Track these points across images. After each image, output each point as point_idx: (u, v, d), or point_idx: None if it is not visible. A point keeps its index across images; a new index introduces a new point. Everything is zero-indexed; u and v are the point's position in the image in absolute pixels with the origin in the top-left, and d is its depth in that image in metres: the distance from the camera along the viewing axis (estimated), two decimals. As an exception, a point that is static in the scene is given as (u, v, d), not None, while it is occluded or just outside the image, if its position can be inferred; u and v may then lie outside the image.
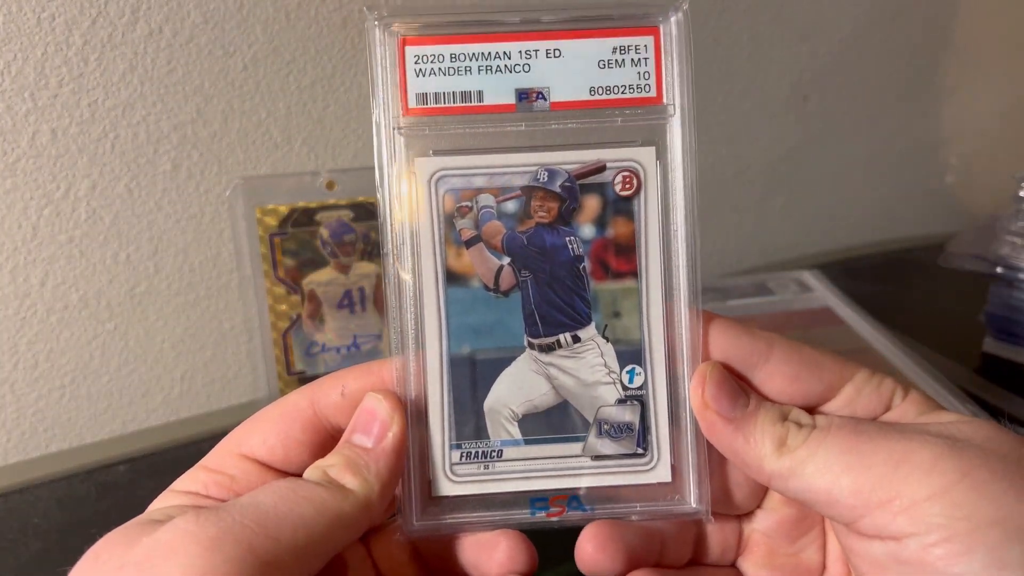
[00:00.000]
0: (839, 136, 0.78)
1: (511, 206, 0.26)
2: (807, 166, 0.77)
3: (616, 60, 0.26)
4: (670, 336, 0.26)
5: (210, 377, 0.57)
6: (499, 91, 0.26)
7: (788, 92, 0.73)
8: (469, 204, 0.26)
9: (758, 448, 0.24)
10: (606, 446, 0.26)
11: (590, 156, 0.26)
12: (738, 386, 0.25)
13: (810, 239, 0.80)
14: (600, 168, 0.26)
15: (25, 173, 0.49)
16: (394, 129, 0.26)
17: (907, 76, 0.79)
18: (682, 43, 0.26)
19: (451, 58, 0.26)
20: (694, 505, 0.26)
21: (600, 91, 0.26)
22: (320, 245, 0.49)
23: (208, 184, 0.53)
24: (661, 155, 0.26)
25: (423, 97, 0.26)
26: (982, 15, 0.81)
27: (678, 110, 0.26)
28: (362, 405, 0.26)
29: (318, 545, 0.23)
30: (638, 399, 0.26)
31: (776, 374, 0.25)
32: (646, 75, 0.26)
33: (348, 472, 0.24)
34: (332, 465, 0.24)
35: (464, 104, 0.26)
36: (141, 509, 0.46)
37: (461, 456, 0.26)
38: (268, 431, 0.26)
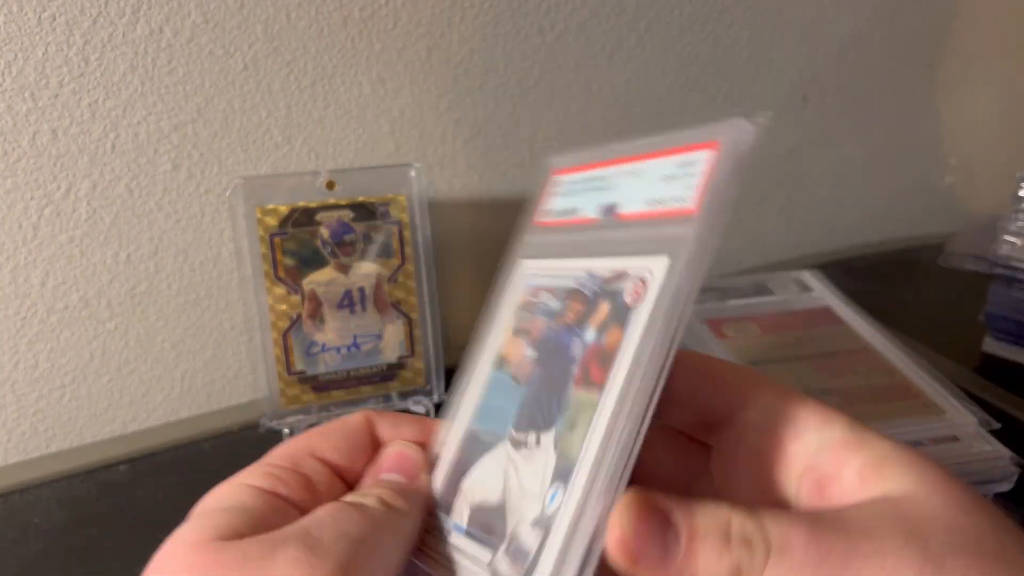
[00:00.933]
0: (839, 136, 0.78)
1: (554, 305, 0.28)
2: (807, 166, 0.77)
3: (677, 174, 0.26)
4: (601, 458, 0.22)
5: (210, 377, 0.57)
6: (589, 206, 0.29)
7: (788, 92, 0.73)
8: (535, 300, 0.29)
9: None
10: (504, 566, 0.24)
11: (620, 264, 0.26)
12: (663, 516, 0.21)
13: (810, 239, 0.80)
14: (621, 276, 0.26)
15: (26, 173, 0.49)
16: (523, 235, 0.32)
17: (907, 76, 0.79)
18: (740, 159, 0.24)
19: (570, 182, 0.31)
20: None
21: (657, 203, 0.26)
22: (320, 245, 0.49)
23: (208, 184, 0.53)
24: (674, 266, 0.24)
25: (546, 212, 0.31)
26: (982, 15, 0.81)
27: (706, 224, 0.24)
28: (392, 451, 0.29)
29: (393, 567, 0.25)
30: (546, 526, 0.23)
31: (673, 389, 0.23)
32: (691, 187, 0.25)
33: (399, 497, 0.26)
34: (383, 492, 0.26)
35: (564, 218, 0.30)
36: (142, 509, 0.46)
37: (427, 522, 0.27)
38: (339, 439, 0.28)
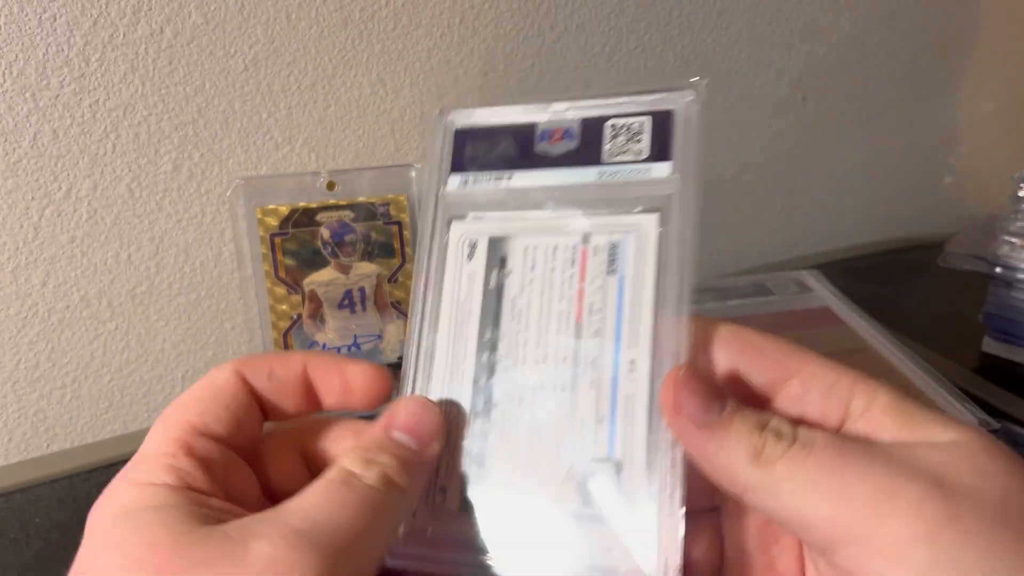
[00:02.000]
0: (838, 136, 0.78)
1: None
2: (806, 166, 0.77)
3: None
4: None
5: (211, 377, 0.57)
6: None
7: (787, 93, 0.73)
8: None
9: (732, 457, 0.22)
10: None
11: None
12: (713, 389, 0.23)
13: (810, 239, 0.80)
14: None
15: (27, 173, 0.49)
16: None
17: (906, 76, 0.79)
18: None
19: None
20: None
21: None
22: (321, 245, 0.49)
23: (209, 184, 0.53)
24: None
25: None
26: (981, 15, 0.81)
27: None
28: (411, 405, 0.26)
29: (383, 551, 0.23)
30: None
31: (721, 358, 0.24)
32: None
33: (405, 474, 0.23)
34: (389, 465, 0.23)
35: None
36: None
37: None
38: (216, 410, 0.25)
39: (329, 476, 0.23)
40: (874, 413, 0.23)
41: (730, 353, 0.25)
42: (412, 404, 0.25)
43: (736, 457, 0.22)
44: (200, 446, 0.24)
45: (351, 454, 0.24)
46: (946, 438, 0.21)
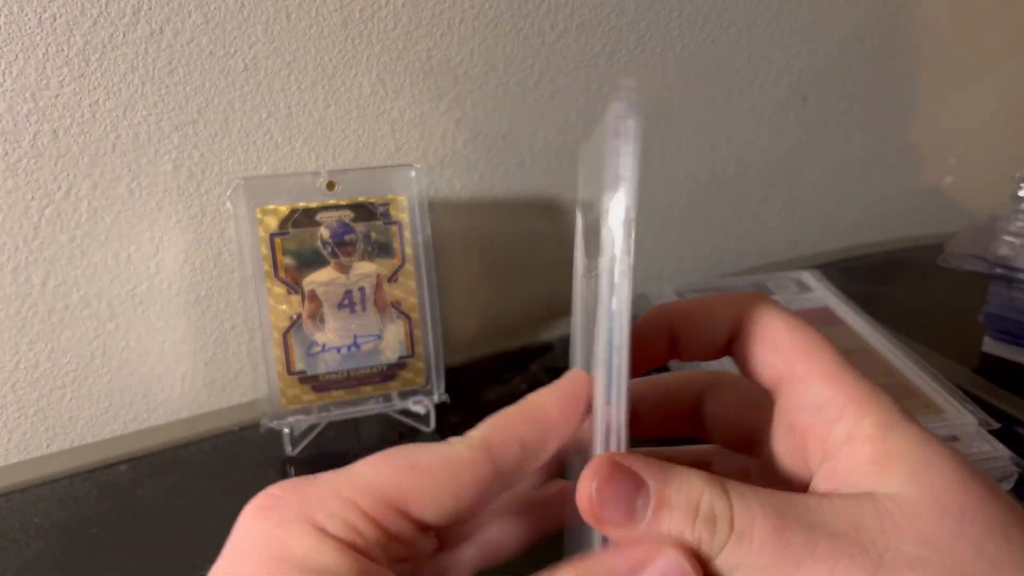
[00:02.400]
0: (838, 136, 0.78)
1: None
2: (806, 166, 0.77)
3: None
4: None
5: (211, 377, 0.57)
6: None
7: (787, 92, 0.73)
8: None
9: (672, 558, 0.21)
10: None
11: None
12: (631, 485, 0.21)
13: (810, 239, 0.80)
14: None
15: (27, 173, 0.49)
16: None
17: (906, 76, 0.79)
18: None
19: None
20: None
21: None
22: (321, 245, 0.49)
23: (209, 184, 0.53)
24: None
25: None
26: (981, 16, 0.81)
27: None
28: (668, 562, 0.21)
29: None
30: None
31: (747, 341, 0.25)
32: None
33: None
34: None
35: None
36: (142, 509, 0.46)
37: None
38: (440, 496, 0.22)
39: None
40: (854, 445, 0.22)
41: (753, 342, 0.25)
42: (668, 561, 0.21)
43: (676, 558, 0.21)
44: (394, 524, 0.22)
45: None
46: (910, 492, 0.21)
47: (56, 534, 0.44)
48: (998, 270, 0.56)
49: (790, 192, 0.78)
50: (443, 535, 0.25)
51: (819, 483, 0.23)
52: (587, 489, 0.21)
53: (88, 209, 0.51)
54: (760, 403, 0.26)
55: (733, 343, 0.26)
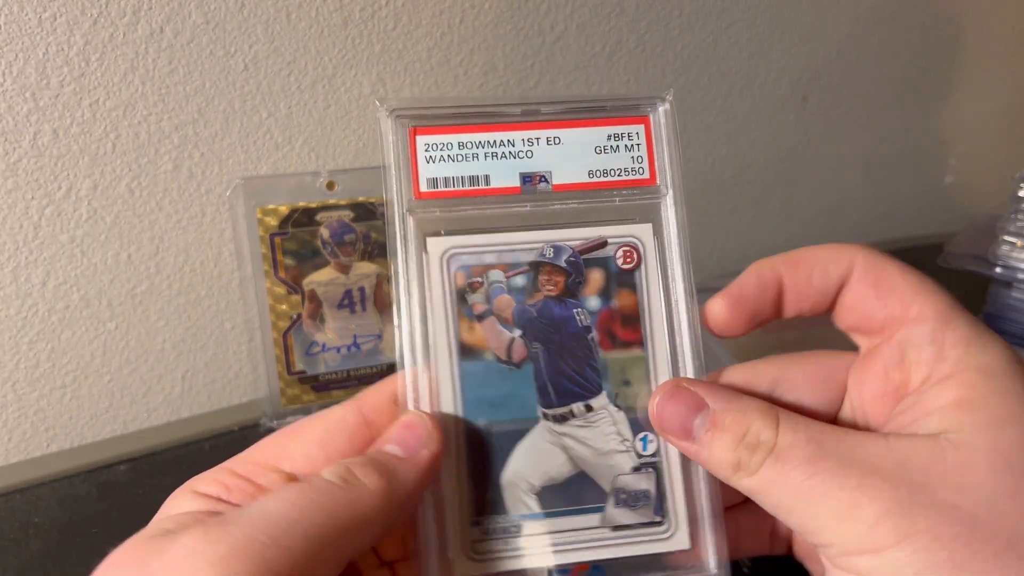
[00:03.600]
0: (838, 136, 0.78)
1: (520, 281, 0.27)
2: (807, 166, 0.77)
3: (611, 146, 0.28)
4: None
5: (211, 377, 0.57)
6: (504, 175, 0.27)
7: (787, 92, 0.73)
8: (480, 280, 0.27)
9: (716, 468, 0.24)
10: (624, 515, 0.26)
11: (591, 233, 0.28)
12: (694, 403, 0.25)
13: (810, 239, 0.80)
14: (601, 244, 0.27)
15: (27, 173, 0.49)
16: (406, 211, 0.27)
17: (906, 76, 0.79)
18: (670, 130, 0.28)
19: (459, 146, 0.27)
20: (713, 571, 0.26)
21: (598, 174, 0.28)
22: (321, 245, 0.49)
23: (209, 184, 0.53)
24: (657, 231, 0.28)
25: (433, 181, 0.27)
26: (981, 16, 0.81)
27: (670, 189, 0.28)
28: (401, 419, 0.25)
29: (332, 551, 0.21)
30: (652, 466, 0.27)
31: (856, 286, 0.26)
32: (639, 159, 0.28)
33: (372, 471, 0.23)
34: (355, 463, 0.23)
35: (472, 187, 0.27)
36: (142, 509, 0.46)
37: (481, 533, 0.26)
38: (311, 442, 0.25)
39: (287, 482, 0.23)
40: (946, 387, 0.23)
41: (866, 286, 0.26)
42: (405, 416, 0.25)
43: (720, 469, 0.24)
44: (264, 478, 0.24)
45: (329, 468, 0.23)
46: (978, 440, 0.22)
47: (56, 534, 0.44)
48: (998, 270, 0.56)
49: (790, 192, 0.78)
50: None
51: (893, 422, 0.24)
52: (652, 404, 0.25)
53: (88, 209, 0.51)
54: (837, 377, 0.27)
55: (842, 290, 0.26)
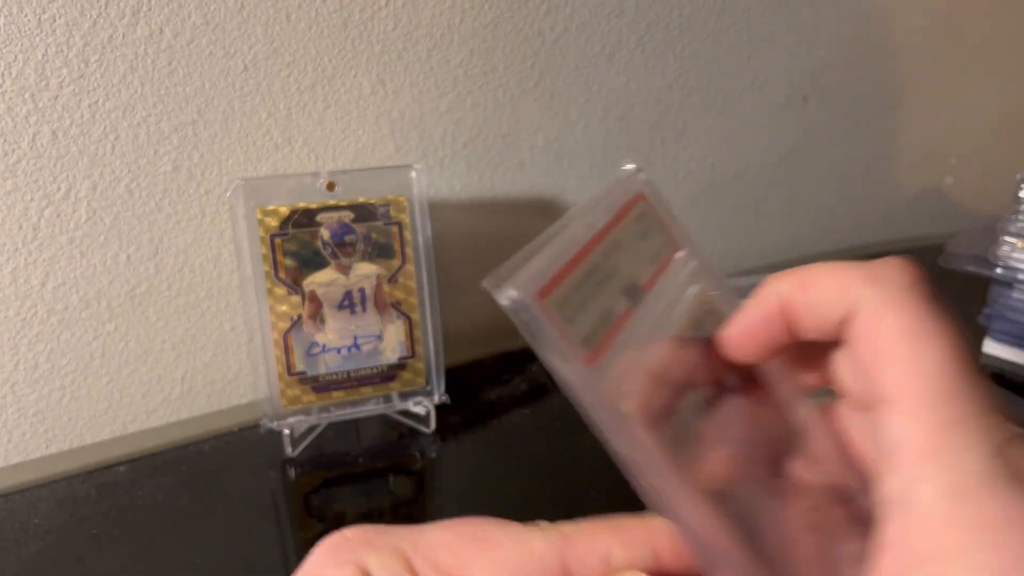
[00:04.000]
0: (838, 137, 0.78)
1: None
2: (807, 166, 0.77)
3: (643, 231, 0.28)
4: None
5: (211, 378, 0.57)
6: (614, 302, 0.25)
7: (788, 93, 0.73)
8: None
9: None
10: None
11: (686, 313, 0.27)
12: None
13: (810, 239, 0.80)
14: None
15: (26, 174, 0.49)
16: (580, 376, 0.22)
17: (906, 76, 0.79)
18: (656, 194, 0.28)
19: (565, 298, 0.23)
20: None
21: (655, 260, 0.28)
22: (321, 246, 0.49)
23: (209, 185, 0.53)
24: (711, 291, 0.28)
25: (586, 339, 0.23)
26: (981, 16, 0.81)
27: (692, 245, 0.29)
28: None
29: None
30: None
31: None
32: (661, 232, 0.28)
33: None
34: None
35: (607, 329, 0.24)
36: (141, 509, 0.46)
37: None
38: (498, 570, 0.22)
39: None
40: (908, 512, 0.20)
41: (853, 343, 0.22)
42: None
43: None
44: None
45: None
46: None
47: (55, 535, 0.44)
48: (998, 271, 0.56)
49: (790, 192, 0.78)
50: None
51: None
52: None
53: (87, 210, 0.51)
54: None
55: (844, 329, 0.22)
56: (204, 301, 0.56)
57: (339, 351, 0.50)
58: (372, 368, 0.51)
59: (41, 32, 0.47)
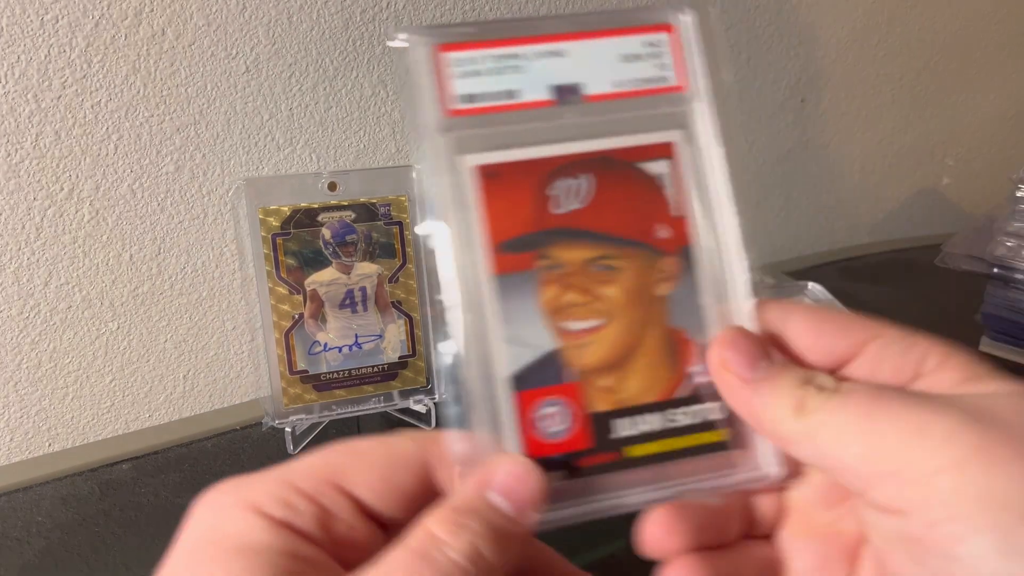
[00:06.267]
0: (837, 137, 0.78)
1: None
2: (805, 167, 0.78)
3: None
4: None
5: (213, 376, 0.58)
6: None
7: (786, 94, 0.74)
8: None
9: (775, 410, 0.23)
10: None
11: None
12: (759, 348, 0.24)
13: (810, 239, 0.80)
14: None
15: (29, 174, 0.49)
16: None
17: (905, 77, 0.80)
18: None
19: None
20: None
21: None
22: (322, 245, 0.49)
23: (211, 185, 0.54)
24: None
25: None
26: (979, 17, 0.81)
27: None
28: (513, 466, 0.23)
29: None
30: None
31: (796, 334, 0.25)
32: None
33: (496, 549, 0.21)
34: (479, 534, 0.21)
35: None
36: (144, 507, 0.46)
37: None
38: (376, 472, 0.23)
39: (411, 544, 0.21)
40: (945, 370, 0.23)
41: (811, 322, 0.25)
42: (513, 464, 0.23)
43: (780, 410, 0.23)
44: (330, 498, 0.23)
45: (439, 516, 0.22)
46: (1002, 390, 0.22)
47: (58, 533, 0.45)
48: (996, 270, 0.56)
49: (789, 192, 0.78)
50: (394, 531, 0.24)
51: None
52: (721, 337, 0.25)
53: (90, 210, 0.51)
54: None
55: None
56: (206, 300, 0.56)
57: (340, 350, 0.50)
58: (373, 367, 0.51)
59: (44, 33, 0.47)
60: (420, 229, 0.26)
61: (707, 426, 0.26)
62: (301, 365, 0.49)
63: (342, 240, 0.49)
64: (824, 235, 0.81)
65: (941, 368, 0.23)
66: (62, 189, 0.50)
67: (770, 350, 0.24)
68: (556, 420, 0.25)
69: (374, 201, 0.50)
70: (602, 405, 0.25)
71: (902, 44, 0.78)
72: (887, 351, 0.24)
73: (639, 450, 0.25)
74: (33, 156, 0.49)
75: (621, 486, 0.25)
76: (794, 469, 0.26)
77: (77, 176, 0.50)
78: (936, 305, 0.68)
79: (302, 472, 0.23)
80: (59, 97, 0.48)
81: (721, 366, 0.24)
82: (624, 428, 0.25)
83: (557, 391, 0.25)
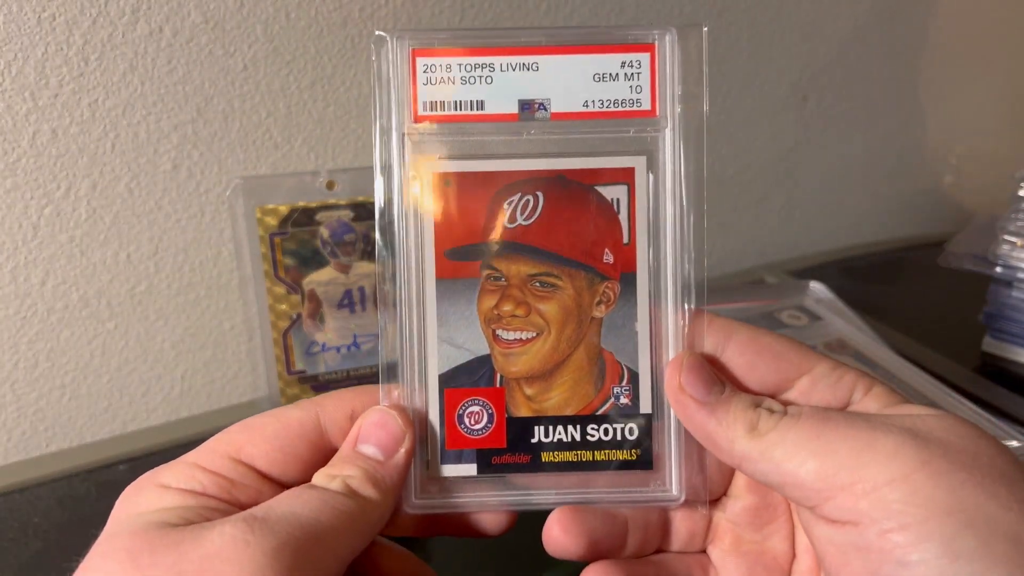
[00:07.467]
0: (838, 136, 0.78)
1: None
2: (806, 166, 0.77)
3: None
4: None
5: (210, 377, 0.57)
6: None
7: (787, 92, 0.73)
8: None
9: (730, 431, 0.24)
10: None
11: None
12: (713, 374, 0.26)
13: (809, 239, 0.80)
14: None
15: (26, 173, 0.49)
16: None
17: (906, 76, 0.79)
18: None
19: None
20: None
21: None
22: (320, 245, 0.49)
23: (208, 184, 0.53)
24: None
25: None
26: (981, 16, 0.81)
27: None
28: (371, 418, 0.26)
29: (349, 554, 0.24)
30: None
31: (732, 363, 0.26)
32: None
33: (369, 484, 0.25)
34: (352, 476, 0.25)
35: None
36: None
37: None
38: (270, 443, 0.26)
39: (294, 490, 0.24)
40: (870, 399, 0.25)
41: (746, 354, 0.26)
42: (374, 415, 0.26)
43: (734, 431, 0.24)
44: (232, 471, 0.25)
45: (318, 473, 0.25)
46: (927, 412, 0.24)
47: (56, 534, 0.44)
48: (998, 270, 0.56)
49: (790, 192, 0.78)
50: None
51: None
52: (678, 361, 0.26)
53: (87, 208, 0.51)
54: None
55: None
56: (204, 300, 0.56)
57: (339, 350, 0.50)
58: (372, 367, 0.51)
59: (41, 30, 0.47)
60: (378, 224, 0.26)
61: (621, 444, 0.27)
62: (299, 365, 0.49)
63: (340, 239, 0.49)
64: (826, 234, 0.80)
65: (868, 397, 0.25)
66: (59, 188, 0.50)
67: (722, 377, 0.26)
68: (477, 419, 0.27)
69: (373, 200, 0.50)
70: (522, 411, 0.27)
71: (904, 41, 0.77)
72: (818, 384, 0.26)
73: (553, 457, 0.27)
74: (30, 154, 0.49)
75: (530, 486, 0.27)
76: (710, 493, 0.28)
77: (74, 175, 0.50)
78: (938, 305, 0.68)
79: (204, 452, 0.26)
80: (56, 95, 0.48)
81: (679, 389, 0.26)
82: (540, 435, 0.27)
83: (482, 393, 0.27)
